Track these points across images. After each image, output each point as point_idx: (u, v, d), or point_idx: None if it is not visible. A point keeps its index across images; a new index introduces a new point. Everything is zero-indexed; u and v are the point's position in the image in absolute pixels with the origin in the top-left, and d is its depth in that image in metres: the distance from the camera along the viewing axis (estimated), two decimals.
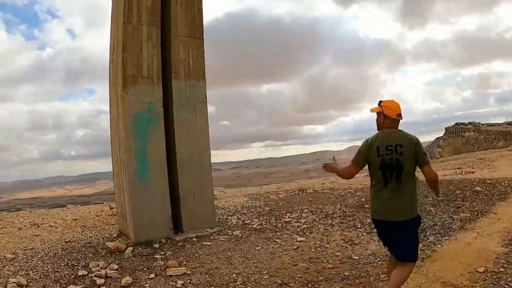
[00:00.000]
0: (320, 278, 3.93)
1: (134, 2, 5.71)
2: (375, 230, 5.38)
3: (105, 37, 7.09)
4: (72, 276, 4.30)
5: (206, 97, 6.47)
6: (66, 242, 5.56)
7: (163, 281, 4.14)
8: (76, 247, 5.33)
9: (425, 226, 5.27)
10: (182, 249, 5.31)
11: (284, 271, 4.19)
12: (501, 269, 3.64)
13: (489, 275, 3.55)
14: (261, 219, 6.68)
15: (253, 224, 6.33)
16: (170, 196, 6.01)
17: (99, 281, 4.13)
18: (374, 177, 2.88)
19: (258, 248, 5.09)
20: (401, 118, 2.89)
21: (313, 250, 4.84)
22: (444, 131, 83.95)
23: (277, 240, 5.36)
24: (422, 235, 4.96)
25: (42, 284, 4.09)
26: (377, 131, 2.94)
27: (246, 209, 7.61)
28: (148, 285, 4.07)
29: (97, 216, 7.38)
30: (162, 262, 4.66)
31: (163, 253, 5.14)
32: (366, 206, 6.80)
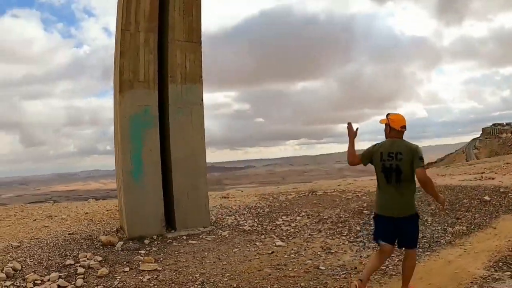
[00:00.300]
0: (275, 286, 3.94)
1: (132, 10, 6.03)
2: (359, 239, 5.27)
3: None
4: (60, 265, 4.73)
5: (202, 100, 6.66)
6: (69, 234, 6.09)
7: (134, 275, 4.42)
8: (76, 239, 5.82)
9: None
10: (168, 246, 5.57)
11: (245, 275, 4.26)
12: None
13: None
14: (255, 220, 6.75)
15: (244, 226, 6.42)
16: (165, 195, 6.32)
17: (80, 270, 4.52)
18: (379, 179, 3.34)
19: (235, 250, 5.19)
20: (405, 130, 3.32)
21: (286, 256, 4.83)
22: (481, 132, 79.48)
23: (257, 243, 5.42)
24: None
25: (33, 270, 4.56)
26: (385, 139, 3.39)
27: (247, 209, 7.71)
28: (120, 277, 4.37)
29: (107, 211, 7.95)
30: (142, 257, 4.96)
31: (149, 248, 5.44)
32: (365, 212, 6.60)
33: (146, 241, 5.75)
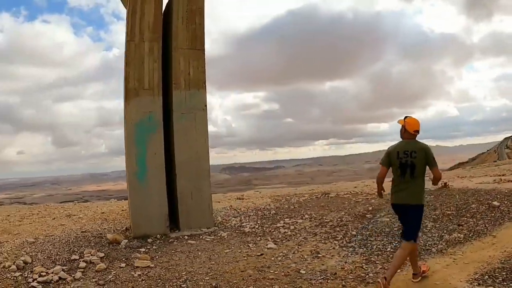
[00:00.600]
0: (250, 287, 4.05)
1: (137, 21, 6.40)
2: (350, 244, 5.23)
3: None
4: (66, 259, 5.17)
5: (206, 105, 6.90)
6: (82, 232, 6.58)
7: (128, 271, 4.73)
8: (87, 236, 6.29)
9: None
10: (168, 245, 5.85)
11: (227, 275, 4.40)
12: None
13: None
14: (258, 222, 6.86)
15: (245, 227, 6.56)
16: (170, 196, 6.63)
17: (82, 264, 4.92)
18: (395, 174, 3.84)
19: (227, 251, 5.35)
20: (418, 133, 3.81)
21: (273, 258, 4.91)
22: None
23: (251, 245, 5.54)
24: (391, 256, 4.63)
25: (42, 263, 5.04)
26: (400, 139, 3.89)
27: (254, 211, 7.84)
28: (115, 272, 4.70)
29: (122, 210, 8.44)
30: (140, 255, 5.28)
31: (149, 247, 5.76)
32: (368, 216, 6.48)
33: (149, 240, 6.07)
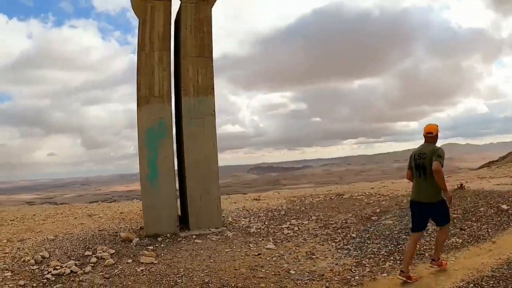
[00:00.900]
0: (239, 284, 4.24)
1: (147, 32, 6.80)
2: (347, 246, 5.28)
3: None
4: (80, 255, 5.64)
5: (214, 110, 7.16)
6: (99, 230, 7.07)
7: (133, 266, 5.10)
8: (103, 234, 6.76)
9: (400, 248, 4.83)
10: (176, 244, 6.17)
11: (221, 273, 4.62)
12: None
13: None
14: (265, 223, 7.03)
15: (251, 228, 6.74)
16: (182, 197, 6.96)
17: (93, 260, 5.36)
18: (414, 174, 4.22)
19: (228, 250, 5.57)
20: (431, 136, 4.16)
21: (268, 258, 5.06)
22: None
23: (251, 245, 5.72)
24: (382, 259, 4.62)
25: (58, 258, 5.53)
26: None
27: (265, 212, 8.00)
28: (121, 267, 5.09)
29: (140, 210, 8.89)
30: (147, 252, 5.63)
31: (158, 245, 6.10)
32: (373, 218, 6.45)
33: (159, 239, 6.43)
